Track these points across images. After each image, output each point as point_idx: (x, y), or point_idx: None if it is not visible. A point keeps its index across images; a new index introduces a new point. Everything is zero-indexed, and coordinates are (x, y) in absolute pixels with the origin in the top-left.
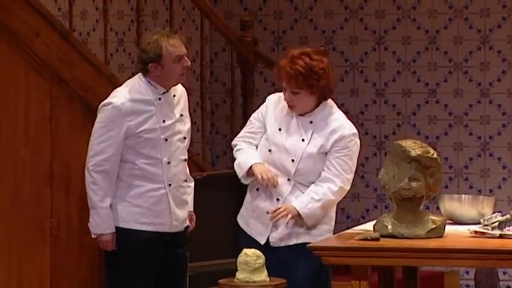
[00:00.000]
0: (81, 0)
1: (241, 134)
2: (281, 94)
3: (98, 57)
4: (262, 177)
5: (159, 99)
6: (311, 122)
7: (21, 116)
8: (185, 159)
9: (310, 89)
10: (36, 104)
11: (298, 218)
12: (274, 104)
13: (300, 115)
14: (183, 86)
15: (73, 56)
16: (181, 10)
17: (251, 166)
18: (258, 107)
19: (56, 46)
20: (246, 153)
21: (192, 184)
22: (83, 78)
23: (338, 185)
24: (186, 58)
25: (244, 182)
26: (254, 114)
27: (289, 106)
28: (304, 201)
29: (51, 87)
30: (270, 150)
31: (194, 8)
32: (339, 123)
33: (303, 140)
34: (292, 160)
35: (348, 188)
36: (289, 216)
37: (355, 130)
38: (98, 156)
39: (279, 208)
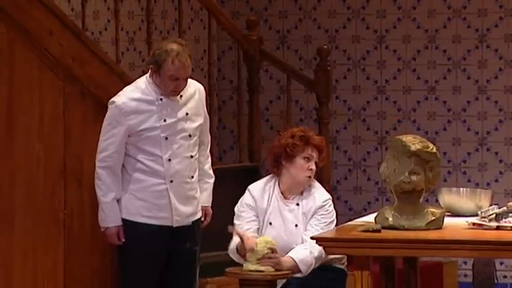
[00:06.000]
0: (93, 0)
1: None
2: (261, 185)
3: (109, 56)
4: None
5: (161, 99)
6: (298, 204)
7: (35, 112)
8: (192, 156)
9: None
10: (50, 101)
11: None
12: (260, 197)
13: (286, 199)
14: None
15: (85, 54)
16: (190, 10)
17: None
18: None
19: (69, 45)
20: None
21: (211, 180)
22: (95, 75)
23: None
24: (181, 82)
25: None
26: (240, 208)
27: (309, 176)
28: (297, 249)
29: (65, 84)
30: (270, 223)
31: (202, 8)
32: (320, 195)
33: (296, 225)
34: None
35: None
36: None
37: (329, 195)
38: (103, 153)
39: (276, 257)
